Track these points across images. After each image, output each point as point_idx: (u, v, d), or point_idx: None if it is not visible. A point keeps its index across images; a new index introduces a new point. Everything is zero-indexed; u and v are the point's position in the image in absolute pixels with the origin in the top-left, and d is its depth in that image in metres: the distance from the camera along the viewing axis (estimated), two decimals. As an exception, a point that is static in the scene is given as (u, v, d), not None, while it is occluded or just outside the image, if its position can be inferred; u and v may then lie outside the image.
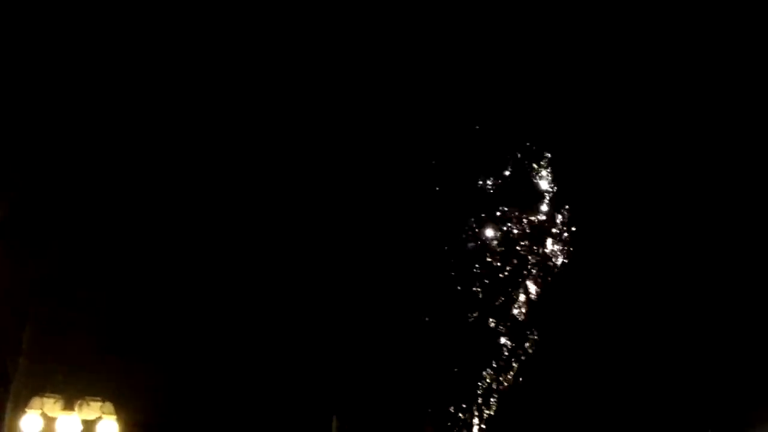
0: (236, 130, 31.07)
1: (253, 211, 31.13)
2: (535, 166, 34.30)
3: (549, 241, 33.89)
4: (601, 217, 33.58)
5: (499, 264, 33.89)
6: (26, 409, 19.81)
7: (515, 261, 33.94)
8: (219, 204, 30.58)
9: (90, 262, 27.69)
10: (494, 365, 33.17)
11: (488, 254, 33.90)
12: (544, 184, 34.23)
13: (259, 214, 31.25)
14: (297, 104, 31.63)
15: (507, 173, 34.26)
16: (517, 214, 34.00)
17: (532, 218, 34.08)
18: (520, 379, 33.12)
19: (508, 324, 33.48)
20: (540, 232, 33.92)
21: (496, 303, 33.51)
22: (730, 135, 31.84)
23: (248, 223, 31.19)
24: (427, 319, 32.72)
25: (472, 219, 33.79)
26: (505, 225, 34.03)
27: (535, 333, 33.43)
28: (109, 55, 29.13)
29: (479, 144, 33.60)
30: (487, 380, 33.10)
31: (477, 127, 33.44)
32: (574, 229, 33.93)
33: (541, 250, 33.87)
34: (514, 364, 33.20)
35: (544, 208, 34.05)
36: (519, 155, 34.22)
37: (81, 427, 20.15)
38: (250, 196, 31.04)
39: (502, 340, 33.38)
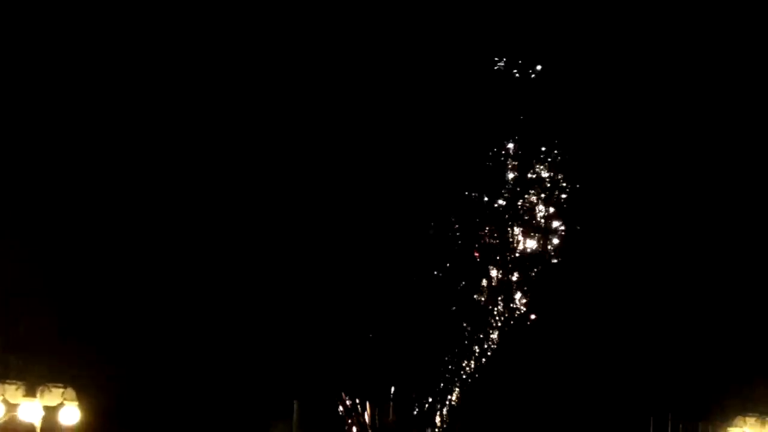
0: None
1: (214, 199, 31.11)
2: (499, 154, 34.41)
3: (513, 228, 34.00)
4: (565, 205, 33.81)
5: (461, 250, 33.97)
6: (-12, 397, 19.64)
7: (478, 247, 34.04)
8: (179, 192, 30.52)
9: (51, 252, 27.55)
10: (457, 351, 33.28)
11: (450, 241, 33.96)
12: (508, 172, 34.34)
13: (219, 201, 31.22)
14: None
15: (470, 161, 34.32)
16: (480, 200, 34.08)
17: (496, 205, 34.17)
18: (483, 365, 33.28)
19: (471, 310, 33.60)
20: (503, 218, 34.02)
21: (459, 289, 33.60)
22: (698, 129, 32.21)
23: (208, 209, 31.14)
24: (389, 305, 32.75)
25: (435, 206, 33.83)
26: (467, 211, 34.09)
27: (498, 319, 33.59)
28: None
29: (445, 135, 33.63)
30: (450, 366, 33.21)
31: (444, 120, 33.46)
32: (538, 215, 34.09)
33: (504, 237, 33.98)
34: (476, 350, 33.34)
35: (508, 195, 34.17)
36: (484, 145, 34.31)
37: (43, 413, 20.01)
38: (212, 186, 31.06)
39: (465, 325, 33.48)
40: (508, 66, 34.16)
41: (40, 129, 28.79)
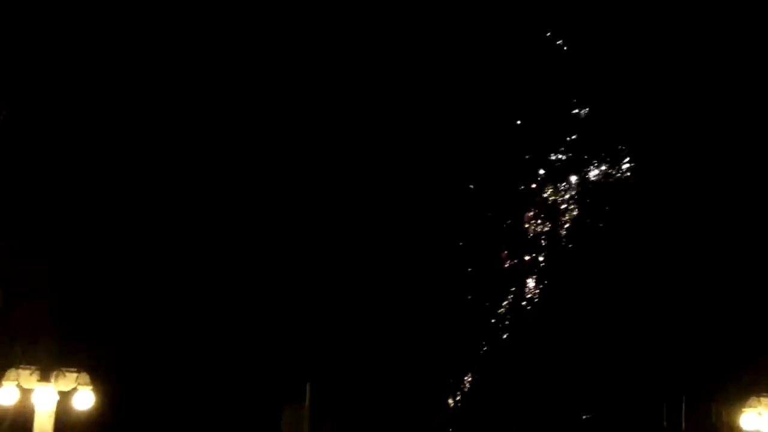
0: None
1: (214, 193, 31.24)
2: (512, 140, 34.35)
3: (519, 217, 33.96)
4: (561, 195, 33.83)
5: (469, 240, 33.92)
6: (2, 381, 19.65)
7: (485, 236, 34.01)
8: (182, 184, 30.63)
9: (66, 236, 27.66)
10: (468, 340, 33.30)
11: (457, 231, 33.92)
12: (505, 161, 34.29)
13: (220, 196, 31.35)
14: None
15: (466, 151, 34.26)
16: (480, 189, 34.03)
17: (498, 192, 34.13)
18: (495, 350, 33.30)
19: (481, 298, 33.59)
20: (509, 208, 33.98)
21: (469, 279, 33.57)
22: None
23: (213, 201, 31.27)
24: (400, 294, 32.79)
25: (437, 196, 33.78)
26: (471, 200, 34.05)
27: (508, 309, 33.58)
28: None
29: (454, 123, 33.60)
30: (464, 355, 33.24)
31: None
32: (543, 204, 34.05)
33: (509, 226, 33.94)
34: (489, 335, 33.35)
35: (508, 183, 34.12)
36: (477, 138, 34.25)
37: (57, 398, 20.04)
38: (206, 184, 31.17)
39: (476, 315, 33.48)
40: (519, 52, 34.14)
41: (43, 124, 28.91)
